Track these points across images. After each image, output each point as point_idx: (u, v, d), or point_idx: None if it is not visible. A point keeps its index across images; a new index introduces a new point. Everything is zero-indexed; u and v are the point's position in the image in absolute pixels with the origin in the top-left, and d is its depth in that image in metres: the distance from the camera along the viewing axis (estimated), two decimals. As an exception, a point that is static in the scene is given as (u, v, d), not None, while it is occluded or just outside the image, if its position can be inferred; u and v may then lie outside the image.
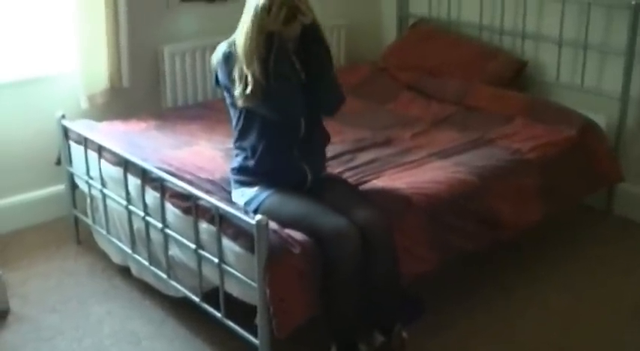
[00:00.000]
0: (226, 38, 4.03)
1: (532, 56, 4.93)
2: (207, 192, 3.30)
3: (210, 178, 3.54)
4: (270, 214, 3.05)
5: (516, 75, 4.88)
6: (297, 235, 3.02)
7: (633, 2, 4.24)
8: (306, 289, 3.00)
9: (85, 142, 3.87)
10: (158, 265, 3.58)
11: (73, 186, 4.17)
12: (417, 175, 3.64)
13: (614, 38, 4.48)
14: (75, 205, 4.22)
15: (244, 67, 3.12)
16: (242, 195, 3.30)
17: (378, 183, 3.56)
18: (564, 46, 4.70)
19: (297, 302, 2.99)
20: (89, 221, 4.10)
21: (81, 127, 3.99)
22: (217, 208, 3.07)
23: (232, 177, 3.36)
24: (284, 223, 3.07)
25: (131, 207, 3.62)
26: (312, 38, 3.23)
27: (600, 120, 4.37)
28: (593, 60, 4.60)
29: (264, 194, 3.22)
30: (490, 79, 4.79)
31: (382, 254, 3.13)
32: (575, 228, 4.48)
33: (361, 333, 3.22)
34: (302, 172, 3.30)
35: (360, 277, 3.07)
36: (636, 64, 4.37)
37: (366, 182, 3.53)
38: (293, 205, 3.17)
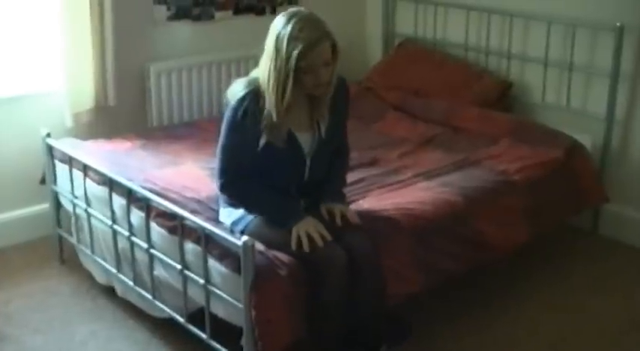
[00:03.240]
0: (213, 56, 4.06)
1: (518, 77, 4.95)
2: (194, 211, 3.30)
3: (197, 197, 3.53)
4: (257, 236, 3.05)
5: (502, 96, 4.90)
6: (284, 257, 3.02)
7: (618, 24, 4.27)
8: (292, 312, 2.99)
9: (69, 160, 3.85)
10: (143, 286, 3.56)
11: (58, 205, 4.15)
12: (403, 195, 3.65)
13: (599, 59, 4.51)
14: (59, 225, 4.20)
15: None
16: (229, 215, 3.28)
17: (364, 204, 3.56)
18: (550, 66, 4.72)
19: (283, 324, 2.97)
20: (73, 240, 4.08)
21: (66, 145, 3.97)
22: (203, 228, 3.06)
23: (220, 196, 3.35)
24: (271, 244, 3.07)
25: (116, 227, 3.61)
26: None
27: (585, 141, 4.39)
28: (578, 81, 4.63)
29: (252, 215, 3.21)
30: (476, 99, 4.81)
31: (368, 276, 3.12)
32: (561, 248, 4.49)
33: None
34: (296, 204, 3.28)
35: (346, 298, 3.07)
36: (621, 85, 4.40)
37: (351, 202, 3.53)
38: (276, 228, 3.16)
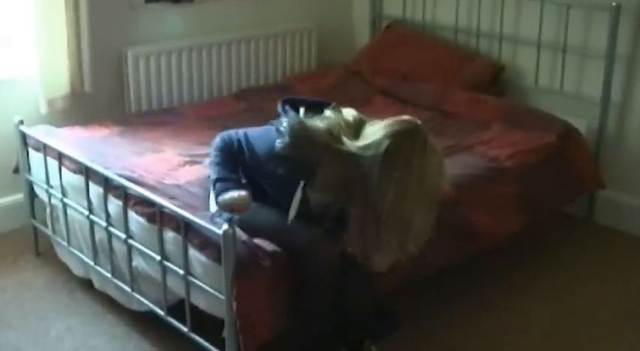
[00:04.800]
0: (193, 40, 3.99)
1: (510, 60, 4.95)
2: (173, 198, 3.30)
3: (176, 183, 3.53)
4: (244, 222, 3.04)
5: (493, 79, 4.91)
6: (268, 247, 3.00)
7: (614, 4, 4.28)
8: (276, 303, 2.99)
9: (44, 148, 3.83)
10: (121, 278, 3.55)
11: (32, 195, 4.13)
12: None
13: (594, 41, 4.52)
14: (34, 215, 4.18)
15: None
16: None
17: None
18: (543, 48, 4.73)
19: (265, 317, 2.97)
20: (49, 232, 4.06)
21: (40, 133, 3.95)
22: (183, 217, 3.05)
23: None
24: (258, 232, 3.06)
25: (93, 217, 3.59)
26: None
27: (580, 125, 4.39)
28: (572, 63, 4.64)
29: None
30: (466, 83, 4.81)
31: (359, 274, 3.11)
32: (555, 236, 4.50)
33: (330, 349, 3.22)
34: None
35: (335, 292, 3.06)
36: (617, 67, 4.41)
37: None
38: (269, 214, 3.14)
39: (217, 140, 3.22)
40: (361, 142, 2.86)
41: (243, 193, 3.00)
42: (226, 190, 3.02)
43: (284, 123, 2.98)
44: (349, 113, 3.02)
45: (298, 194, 3.00)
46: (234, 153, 3.16)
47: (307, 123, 2.97)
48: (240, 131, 3.22)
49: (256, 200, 3.12)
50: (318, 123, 2.96)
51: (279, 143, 2.96)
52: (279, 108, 3.10)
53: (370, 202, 2.82)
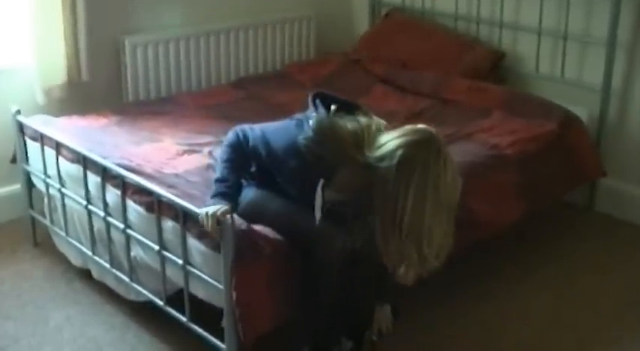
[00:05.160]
0: (191, 29, 3.94)
1: (510, 47, 4.95)
2: (171, 187, 3.30)
3: (175, 172, 3.53)
4: (254, 208, 3.06)
5: (494, 66, 4.91)
6: (269, 234, 3.00)
7: (615, -10, 4.28)
8: (276, 293, 2.99)
9: (41, 138, 3.84)
10: (120, 268, 3.56)
11: (30, 185, 4.13)
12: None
13: (595, 28, 4.51)
14: (32, 206, 4.18)
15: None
16: None
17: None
18: (543, 36, 4.72)
19: (265, 307, 2.98)
20: (47, 222, 4.07)
21: (37, 122, 3.95)
22: (182, 206, 3.06)
23: None
24: (267, 218, 3.06)
25: (91, 207, 3.60)
26: None
27: (581, 113, 4.39)
28: (573, 51, 4.64)
29: (251, 187, 3.20)
30: (467, 71, 4.81)
31: (367, 266, 3.12)
32: (555, 225, 4.51)
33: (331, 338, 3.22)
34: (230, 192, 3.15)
35: (342, 281, 3.06)
36: (618, 54, 4.41)
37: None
38: (281, 203, 3.12)
39: (230, 135, 3.18)
40: (376, 153, 2.83)
41: (218, 207, 2.91)
42: (214, 195, 3.00)
43: (312, 118, 2.96)
44: (379, 122, 2.99)
45: (319, 194, 2.98)
46: (247, 149, 3.12)
47: (337, 123, 2.94)
48: (256, 126, 3.17)
49: (269, 190, 3.14)
50: (347, 124, 2.93)
51: (302, 137, 2.94)
52: (310, 101, 3.06)
53: (388, 213, 2.79)
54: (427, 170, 2.75)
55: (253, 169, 3.20)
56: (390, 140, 2.82)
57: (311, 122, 2.94)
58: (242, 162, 3.14)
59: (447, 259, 3.27)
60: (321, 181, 2.96)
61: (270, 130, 3.12)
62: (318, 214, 2.99)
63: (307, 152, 2.92)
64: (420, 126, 2.91)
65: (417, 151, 2.77)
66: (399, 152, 2.76)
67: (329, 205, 3.02)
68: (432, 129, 2.88)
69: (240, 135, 3.15)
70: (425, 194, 2.75)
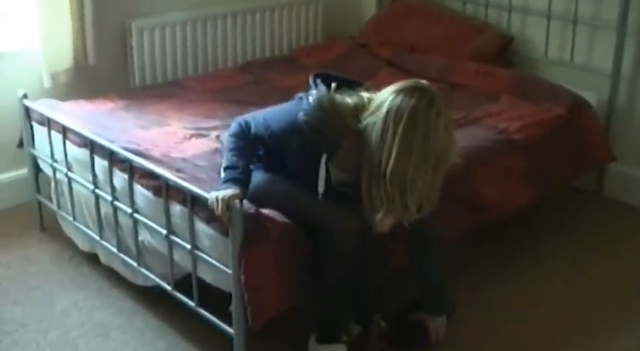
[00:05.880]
0: (198, 12, 3.91)
1: (519, 31, 4.96)
2: (179, 170, 3.32)
3: (182, 156, 3.54)
4: (261, 191, 3.09)
5: (502, 50, 4.91)
6: (277, 218, 3.02)
7: (625, -26, 4.28)
8: (285, 277, 3.01)
9: (48, 122, 3.86)
10: (127, 252, 3.59)
11: (37, 170, 4.16)
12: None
13: (605, 11, 4.51)
14: (38, 190, 4.21)
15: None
16: None
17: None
18: (553, 19, 4.73)
19: (274, 291, 2.99)
20: (54, 207, 4.10)
21: (44, 107, 3.97)
22: (190, 190, 3.09)
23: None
24: (275, 201, 3.08)
25: (98, 191, 3.62)
26: None
27: (590, 97, 4.40)
28: (583, 34, 4.64)
29: (258, 171, 3.22)
30: (475, 55, 4.82)
31: (378, 252, 3.15)
32: (564, 211, 4.52)
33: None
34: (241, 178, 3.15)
35: (352, 264, 3.08)
36: (628, 38, 4.41)
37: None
38: (290, 186, 3.14)
39: (233, 126, 3.20)
40: (369, 111, 2.90)
41: (229, 192, 2.93)
42: (225, 181, 3.01)
43: (313, 95, 3.00)
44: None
45: (322, 168, 3.01)
46: (250, 135, 3.14)
47: (336, 99, 2.99)
48: (257, 113, 3.21)
49: (277, 174, 3.17)
50: (347, 99, 2.98)
51: (302, 114, 2.97)
52: (311, 80, 3.10)
53: (374, 160, 2.86)
54: (415, 118, 2.81)
55: (261, 152, 3.23)
56: (384, 92, 2.91)
57: (311, 99, 2.98)
58: (248, 148, 3.16)
59: (450, 235, 3.31)
60: (324, 156, 3.00)
61: (271, 114, 3.16)
62: (320, 188, 3.03)
63: (308, 128, 2.95)
64: (416, 80, 2.96)
65: (406, 98, 2.83)
66: (388, 100, 2.85)
67: (336, 184, 3.07)
68: (428, 84, 2.94)
69: (243, 123, 3.18)
70: (412, 143, 2.80)
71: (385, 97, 2.89)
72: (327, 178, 3.05)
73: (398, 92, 2.87)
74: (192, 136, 3.82)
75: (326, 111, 2.95)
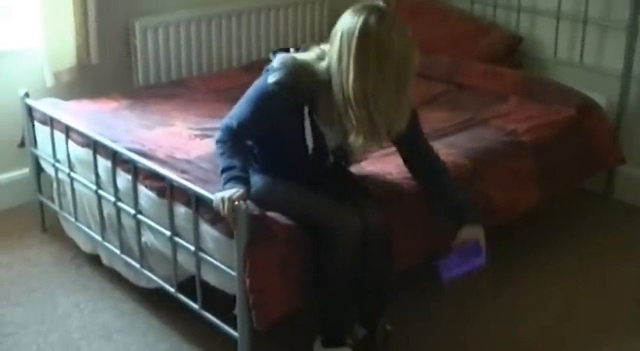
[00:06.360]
0: (202, 11, 3.90)
1: (528, 31, 4.94)
2: (183, 172, 3.31)
3: (187, 157, 3.53)
4: (264, 194, 3.09)
5: (511, 51, 4.90)
6: (282, 220, 3.02)
7: (636, -27, 4.27)
8: (289, 279, 3.00)
9: (50, 122, 3.85)
10: (130, 254, 3.58)
11: (38, 169, 4.15)
12: (405, 157, 3.64)
13: (615, 12, 4.51)
14: (40, 190, 4.20)
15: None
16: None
17: (366, 166, 3.56)
18: (562, 20, 4.72)
19: (279, 293, 2.98)
20: (56, 207, 4.09)
21: (46, 106, 3.96)
22: (194, 191, 3.08)
23: None
24: (277, 205, 3.08)
25: (101, 191, 3.61)
26: None
27: (600, 99, 4.39)
28: (592, 35, 4.63)
29: (260, 174, 3.21)
30: (483, 55, 4.81)
31: (379, 249, 3.13)
32: (572, 213, 4.51)
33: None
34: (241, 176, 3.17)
35: (355, 268, 3.07)
36: (639, 39, 4.40)
37: (352, 164, 3.52)
38: (290, 185, 3.15)
39: (217, 135, 3.21)
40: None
41: (234, 192, 2.93)
42: (227, 182, 3.00)
43: (275, 60, 3.06)
44: None
45: (307, 121, 3.06)
46: (235, 132, 3.14)
47: (297, 56, 3.07)
48: (232, 109, 3.22)
49: (274, 174, 3.18)
50: (308, 53, 3.09)
51: (270, 78, 3.01)
52: (271, 55, 3.16)
53: (338, 87, 2.92)
54: (367, 36, 2.84)
55: (255, 150, 3.24)
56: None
57: (274, 65, 3.04)
58: (239, 145, 3.15)
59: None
60: (306, 108, 3.04)
61: (244, 99, 3.17)
62: (309, 143, 3.08)
63: (280, 88, 2.99)
64: (366, 1, 3.04)
65: (355, 18, 2.88)
66: (340, 24, 2.93)
67: (333, 148, 3.14)
68: (380, 3, 2.97)
69: (223, 126, 3.18)
70: (367, 61, 2.84)
71: (338, 25, 2.94)
72: (322, 145, 3.10)
73: (348, 15, 2.92)
74: (196, 136, 3.82)
75: (291, 66, 3.01)
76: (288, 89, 2.98)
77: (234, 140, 3.13)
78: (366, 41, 2.83)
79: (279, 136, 3.13)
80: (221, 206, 2.88)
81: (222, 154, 3.11)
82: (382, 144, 3.21)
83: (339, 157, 3.25)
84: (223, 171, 3.04)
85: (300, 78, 3.00)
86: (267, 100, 3.03)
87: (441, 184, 3.28)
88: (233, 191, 2.91)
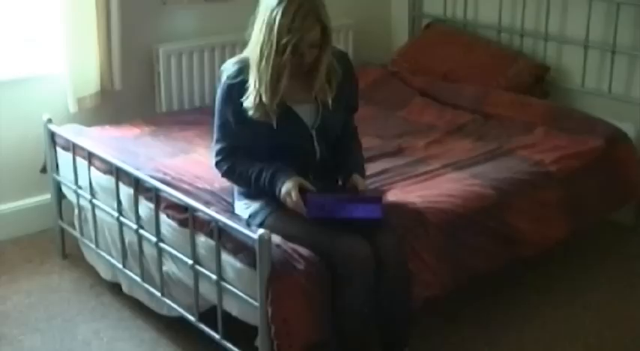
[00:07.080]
0: (226, 38, 3.99)
1: (555, 60, 4.94)
2: (206, 203, 3.32)
3: (209, 188, 3.55)
4: (277, 229, 3.08)
5: (538, 80, 4.90)
6: (303, 251, 3.02)
7: (666, 1, 4.27)
8: (312, 309, 3.00)
9: (73, 148, 3.88)
10: (151, 282, 3.59)
11: (60, 196, 4.18)
12: (430, 187, 3.64)
13: (644, 41, 4.50)
14: (61, 217, 4.22)
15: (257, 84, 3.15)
16: (246, 207, 3.30)
17: (389, 196, 3.55)
18: (590, 48, 4.72)
19: (302, 323, 2.98)
20: (77, 234, 4.11)
21: (69, 132, 4.00)
22: (217, 220, 3.08)
23: (236, 187, 3.37)
24: (290, 238, 3.08)
25: (123, 219, 3.63)
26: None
27: (629, 129, 4.38)
28: (621, 64, 4.62)
29: (271, 207, 3.22)
30: (509, 84, 4.81)
31: (394, 275, 3.12)
32: (600, 245, 4.48)
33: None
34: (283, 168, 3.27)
35: (372, 298, 3.06)
36: (668, 69, 4.40)
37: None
38: (302, 220, 3.14)
39: (217, 171, 3.33)
40: None
41: (289, 184, 3.10)
42: (270, 182, 3.15)
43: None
44: None
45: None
46: (230, 150, 3.27)
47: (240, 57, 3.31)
48: (214, 134, 3.35)
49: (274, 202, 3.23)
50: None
51: (223, 75, 3.25)
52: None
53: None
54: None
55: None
56: None
57: (221, 76, 3.28)
58: (244, 158, 3.25)
59: (482, 268, 3.28)
60: None
61: (215, 114, 3.33)
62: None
63: (233, 76, 3.20)
64: None
65: None
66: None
67: (312, 125, 3.26)
68: None
69: (214, 155, 3.32)
70: (261, 24, 3.15)
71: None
72: (302, 125, 3.25)
73: None
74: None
75: (231, 63, 3.29)
76: (238, 72, 3.20)
77: (233, 159, 3.26)
78: (265, 6, 3.15)
79: (265, 135, 3.23)
80: (288, 201, 3.03)
81: (239, 176, 3.24)
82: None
83: (321, 137, 3.29)
84: (256, 181, 3.17)
85: (244, 63, 3.21)
86: (228, 93, 3.21)
87: (353, 148, 3.44)
88: (288, 184, 3.08)
